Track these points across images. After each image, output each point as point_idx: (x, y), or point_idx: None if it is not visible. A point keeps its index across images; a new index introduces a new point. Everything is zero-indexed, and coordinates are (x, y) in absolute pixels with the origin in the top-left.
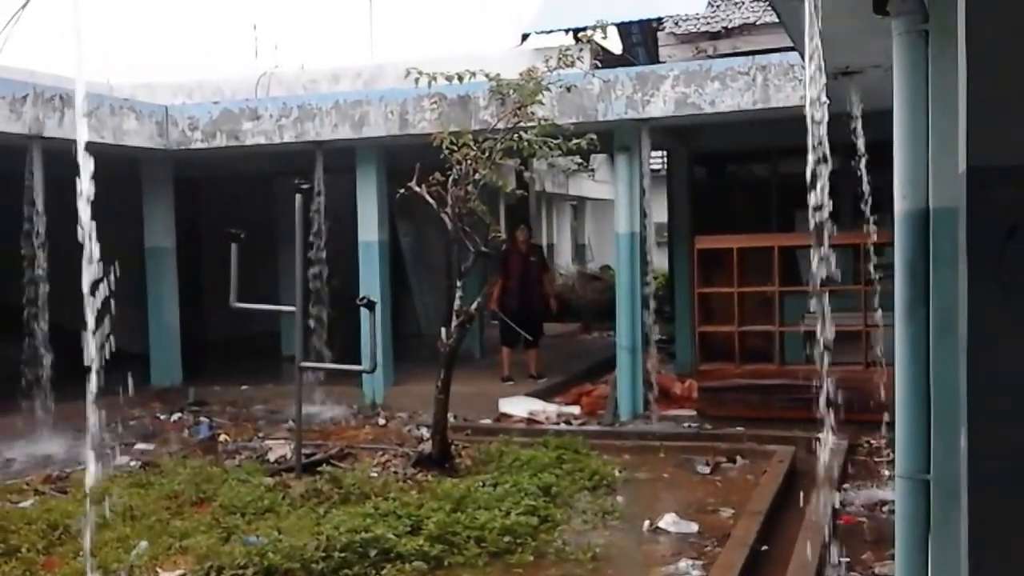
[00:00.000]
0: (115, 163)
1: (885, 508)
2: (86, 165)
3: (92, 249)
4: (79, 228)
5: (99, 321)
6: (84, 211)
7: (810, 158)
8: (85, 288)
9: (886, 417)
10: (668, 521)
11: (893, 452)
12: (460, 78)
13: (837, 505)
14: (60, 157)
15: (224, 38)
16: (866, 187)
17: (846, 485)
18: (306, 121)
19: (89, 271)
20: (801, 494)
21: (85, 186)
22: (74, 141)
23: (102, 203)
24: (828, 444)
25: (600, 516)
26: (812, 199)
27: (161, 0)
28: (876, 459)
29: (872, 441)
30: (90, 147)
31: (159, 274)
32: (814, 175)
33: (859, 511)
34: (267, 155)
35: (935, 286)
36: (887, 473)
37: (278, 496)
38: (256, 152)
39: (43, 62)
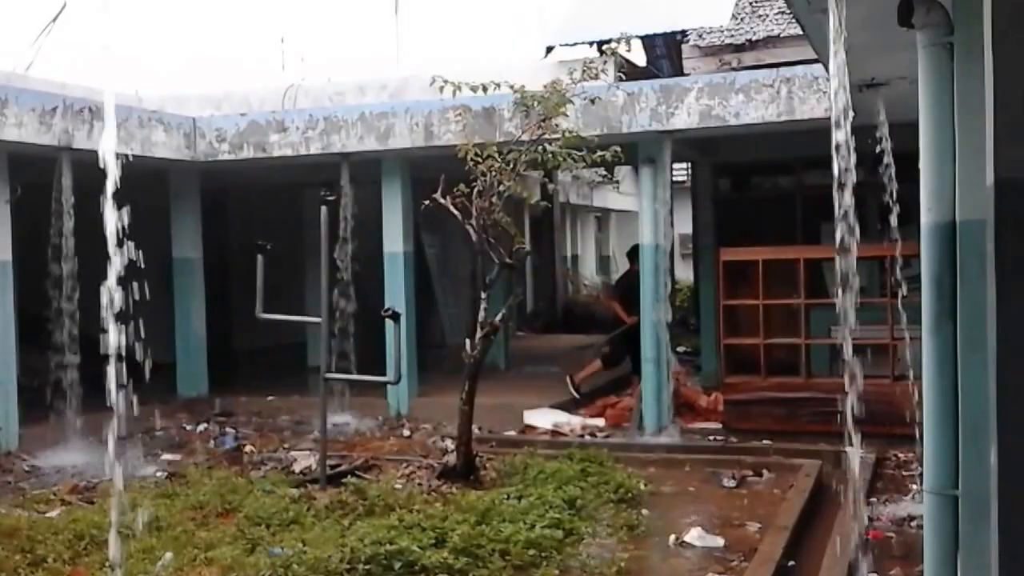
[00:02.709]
0: (143, 174)
1: (914, 523)
2: (111, 177)
3: (117, 259)
4: (106, 238)
5: (125, 331)
6: (109, 222)
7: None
8: (111, 297)
9: (914, 431)
10: (694, 535)
11: (921, 466)
12: (485, 89)
13: (865, 520)
14: (89, 169)
15: (252, 51)
16: (892, 199)
17: (874, 499)
18: (332, 133)
19: (114, 281)
20: (828, 509)
21: (110, 198)
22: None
23: (130, 214)
24: (855, 458)
25: (625, 530)
26: (837, 211)
27: (190, 13)
28: (904, 473)
29: (900, 455)
30: (118, 159)
31: (186, 285)
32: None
33: (887, 526)
34: (293, 167)
35: (962, 299)
36: (915, 487)
37: (303, 508)
38: (283, 164)
39: (73, 74)
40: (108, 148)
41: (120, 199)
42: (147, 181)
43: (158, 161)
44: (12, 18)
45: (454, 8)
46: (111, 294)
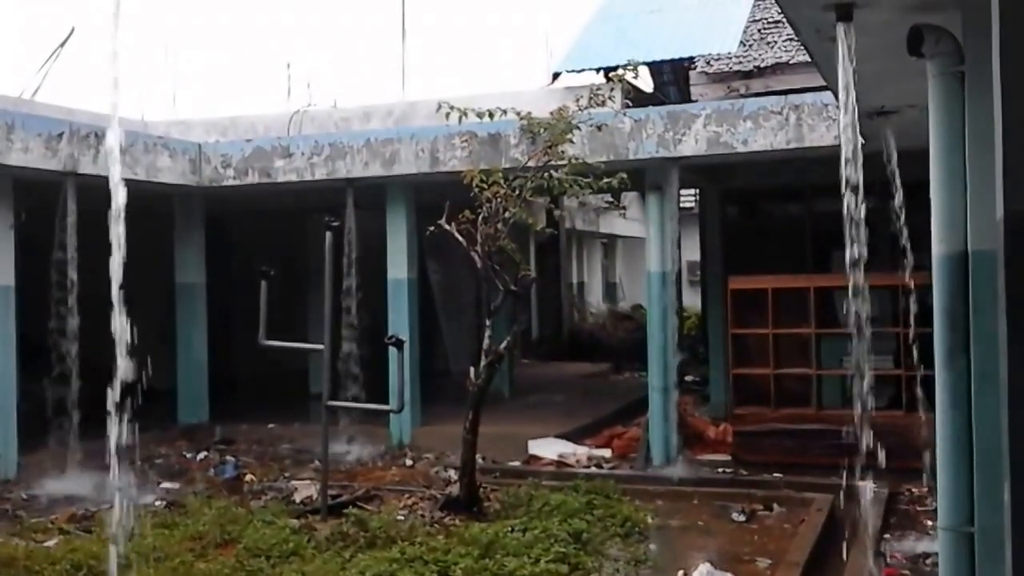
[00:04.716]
0: (148, 200)
1: (929, 561)
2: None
3: (120, 285)
4: (110, 264)
5: (127, 357)
6: (115, 249)
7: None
8: (114, 323)
9: (928, 465)
10: (703, 571)
11: (936, 501)
12: (491, 115)
13: (878, 557)
14: (94, 194)
15: (258, 76)
16: (904, 228)
17: (887, 535)
18: (337, 159)
19: (117, 307)
20: (841, 544)
21: (116, 226)
22: (108, 178)
23: (134, 239)
24: (868, 492)
25: (632, 564)
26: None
27: (197, 38)
28: (918, 508)
29: (914, 489)
30: (123, 184)
31: (189, 310)
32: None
33: (901, 563)
34: (298, 192)
35: (976, 331)
36: (930, 523)
37: (303, 539)
38: (288, 189)
39: (79, 99)
40: (114, 174)
41: (125, 224)
42: (152, 206)
43: (163, 186)
44: (19, 43)
45: (460, 35)
46: (113, 320)
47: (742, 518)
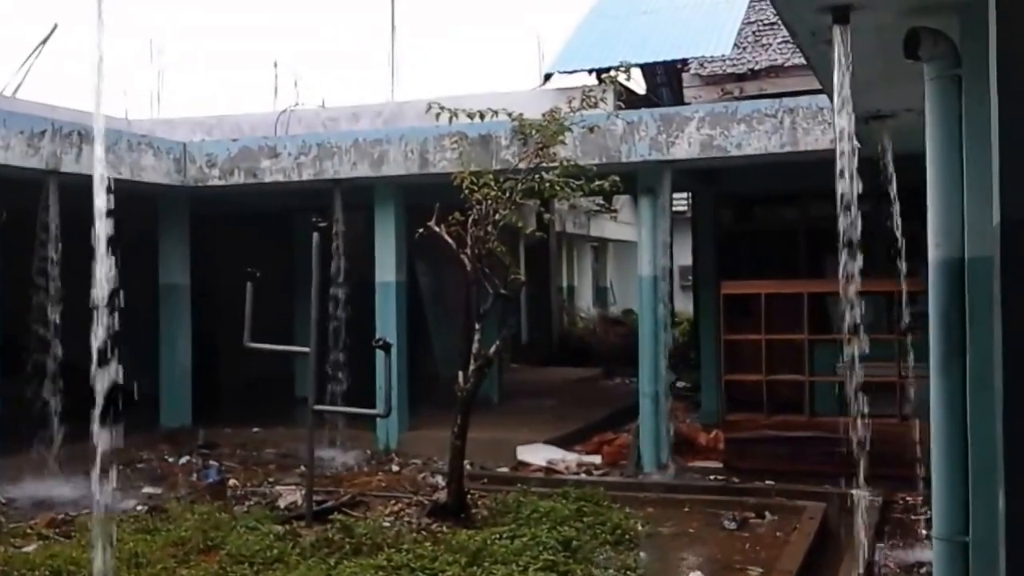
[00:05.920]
0: (132, 199)
1: (923, 570)
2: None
3: (102, 285)
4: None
5: (109, 360)
6: (97, 247)
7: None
8: (95, 325)
9: (922, 473)
10: None
11: (931, 509)
12: (482, 116)
13: (872, 566)
14: (76, 193)
15: (245, 75)
16: (899, 233)
17: (881, 544)
18: (325, 159)
19: (99, 308)
20: (833, 553)
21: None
22: (91, 177)
23: (117, 239)
24: (862, 500)
25: (622, 572)
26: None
27: (182, 36)
28: (913, 517)
29: (908, 498)
30: (107, 183)
31: (173, 312)
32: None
33: (895, 573)
34: (285, 192)
35: (972, 338)
36: (925, 532)
37: (288, 545)
38: (274, 190)
39: (62, 97)
40: (97, 172)
41: (108, 224)
42: (135, 206)
43: (147, 186)
44: (0, 40)
45: (451, 34)
46: (95, 322)
47: (733, 526)
